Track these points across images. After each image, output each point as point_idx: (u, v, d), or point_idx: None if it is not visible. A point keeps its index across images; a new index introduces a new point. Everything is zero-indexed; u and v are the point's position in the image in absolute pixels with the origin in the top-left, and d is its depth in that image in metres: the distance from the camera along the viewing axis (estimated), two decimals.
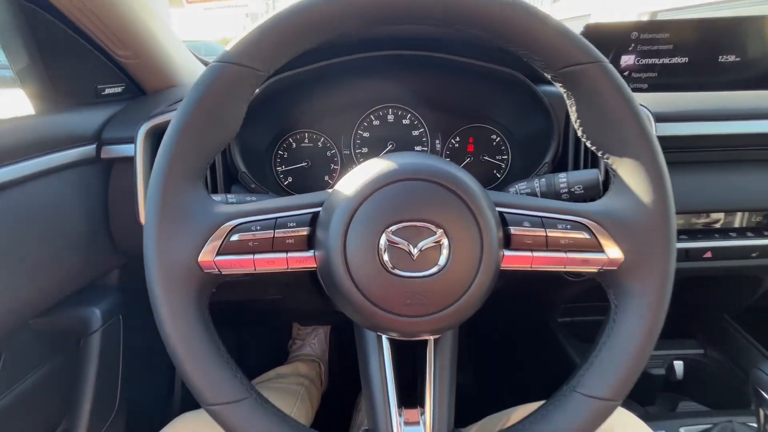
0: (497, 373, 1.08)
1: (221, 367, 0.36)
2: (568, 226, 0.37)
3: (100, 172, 0.57)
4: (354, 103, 0.73)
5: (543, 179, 0.50)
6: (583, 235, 0.37)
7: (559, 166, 0.61)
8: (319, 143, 0.74)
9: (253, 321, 1.23)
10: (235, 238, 0.37)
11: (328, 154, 0.74)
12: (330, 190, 0.40)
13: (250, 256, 0.37)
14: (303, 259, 0.38)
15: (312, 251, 0.38)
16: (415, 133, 0.75)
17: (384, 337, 0.42)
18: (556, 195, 0.49)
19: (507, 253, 0.37)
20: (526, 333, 0.94)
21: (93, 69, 0.58)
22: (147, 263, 0.35)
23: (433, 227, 0.35)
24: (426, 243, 0.34)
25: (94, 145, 0.55)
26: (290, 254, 0.38)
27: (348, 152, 0.75)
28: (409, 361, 0.45)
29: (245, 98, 0.38)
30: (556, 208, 0.38)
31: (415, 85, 0.71)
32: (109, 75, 0.61)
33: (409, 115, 0.75)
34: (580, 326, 0.84)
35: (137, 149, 0.53)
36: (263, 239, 0.37)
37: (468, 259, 0.35)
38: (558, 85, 0.38)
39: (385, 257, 0.34)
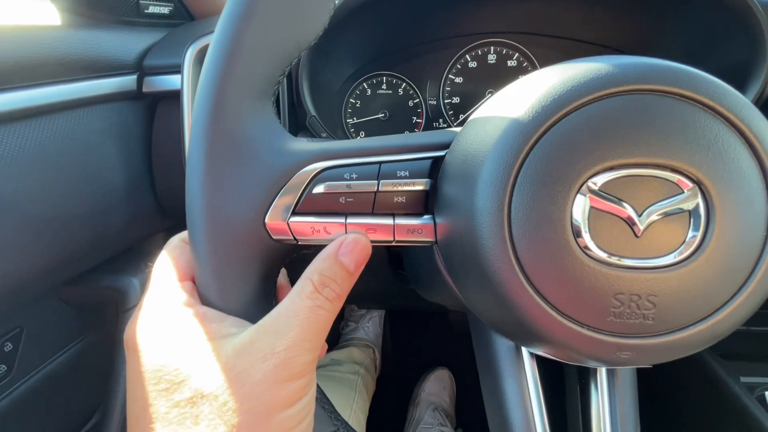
0: None
1: None
2: None
3: (142, 112, 0.47)
4: (447, 37, 0.57)
5: None
6: None
7: None
8: (400, 90, 0.60)
9: None
10: (319, 189, 0.24)
11: (410, 104, 0.60)
12: (458, 129, 0.25)
13: (341, 220, 0.24)
14: (416, 228, 0.24)
15: (429, 217, 0.24)
16: None
17: (526, 351, 0.28)
18: None
19: None
20: None
21: None
22: (190, 221, 0.23)
23: (677, 179, 0.19)
24: (664, 207, 0.19)
25: (134, 76, 0.44)
26: (398, 220, 0.24)
27: (434, 102, 0.60)
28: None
29: None
30: None
31: (530, 10, 0.54)
32: None
33: (516, 54, 0.58)
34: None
35: (184, 77, 0.41)
36: (361, 195, 0.24)
37: (742, 240, 0.19)
38: None
39: (583, 230, 0.19)
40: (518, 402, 0.27)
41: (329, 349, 1.00)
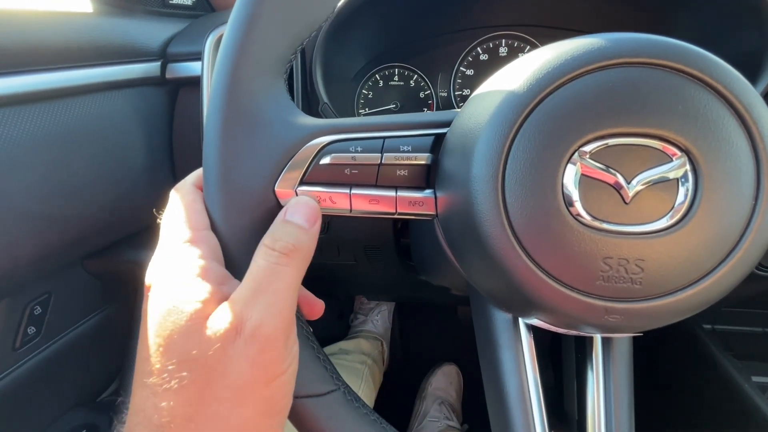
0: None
1: (302, 344, 0.25)
2: None
3: (165, 97, 0.49)
4: (459, 30, 0.58)
5: None
6: None
7: None
8: (411, 82, 0.61)
9: (313, 288, 1.17)
10: (325, 161, 0.25)
11: (422, 95, 0.61)
12: (458, 110, 0.26)
13: (346, 190, 0.25)
14: (417, 201, 0.25)
15: (430, 191, 0.25)
16: None
17: (522, 322, 0.29)
18: None
19: None
20: (664, 338, 0.75)
21: None
22: (206, 187, 0.25)
23: (666, 147, 0.20)
24: (653, 175, 0.20)
25: (158, 63, 0.47)
26: (400, 192, 0.25)
27: (445, 94, 0.61)
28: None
29: None
30: None
31: (542, 2, 0.54)
32: None
33: (528, 47, 0.58)
34: (729, 337, 0.65)
35: (204, 63, 0.43)
36: (365, 166, 0.25)
37: (730, 208, 0.20)
38: None
39: (574, 197, 0.20)
40: (514, 371, 0.28)
41: (338, 340, 1.02)
